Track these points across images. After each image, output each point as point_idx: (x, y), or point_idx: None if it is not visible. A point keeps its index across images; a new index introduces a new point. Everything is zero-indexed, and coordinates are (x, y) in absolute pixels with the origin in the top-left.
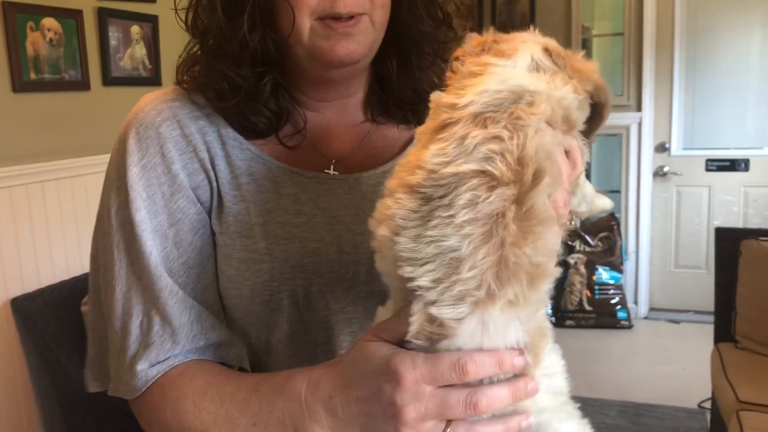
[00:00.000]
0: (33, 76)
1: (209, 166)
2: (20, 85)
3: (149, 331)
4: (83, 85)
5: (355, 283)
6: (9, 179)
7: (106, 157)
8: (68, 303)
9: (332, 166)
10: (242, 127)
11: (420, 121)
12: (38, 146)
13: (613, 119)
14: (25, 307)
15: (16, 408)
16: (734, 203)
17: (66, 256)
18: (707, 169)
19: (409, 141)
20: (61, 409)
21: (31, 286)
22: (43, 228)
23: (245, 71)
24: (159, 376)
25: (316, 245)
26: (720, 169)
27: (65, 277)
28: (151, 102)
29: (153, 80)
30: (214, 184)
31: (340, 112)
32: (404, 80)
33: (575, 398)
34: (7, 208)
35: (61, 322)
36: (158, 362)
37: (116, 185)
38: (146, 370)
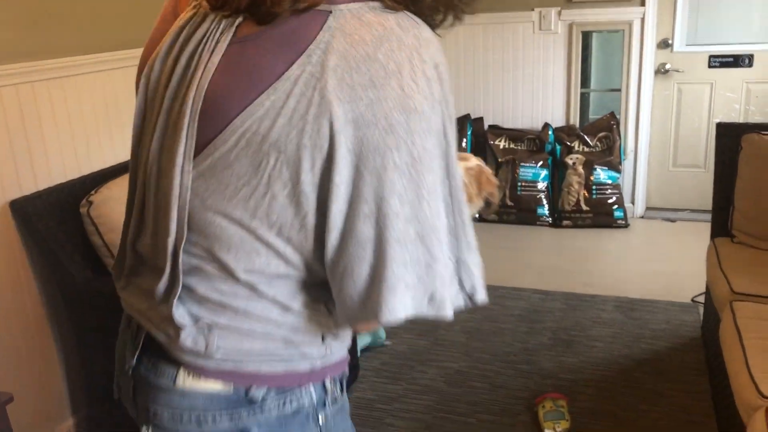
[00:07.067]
0: None
1: None
2: None
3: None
4: None
5: None
6: None
7: (97, 57)
8: (67, 205)
9: None
10: None
11: None
12: (26, 45)
13: (616, 14)
14: (24, 208)
15: (23, 310)
16: (736, 100)
17: (62, 159)
18: (710, 66)
19: None
20: (66, 309)
21: (29, 188)
22: (36, 130)
23: None
24: None
25: None
26: (723, 65)
27: (62, 179)
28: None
29: None
30: None
31: None
32: None
33: (572, 294)
34: None
35: (61, 224)
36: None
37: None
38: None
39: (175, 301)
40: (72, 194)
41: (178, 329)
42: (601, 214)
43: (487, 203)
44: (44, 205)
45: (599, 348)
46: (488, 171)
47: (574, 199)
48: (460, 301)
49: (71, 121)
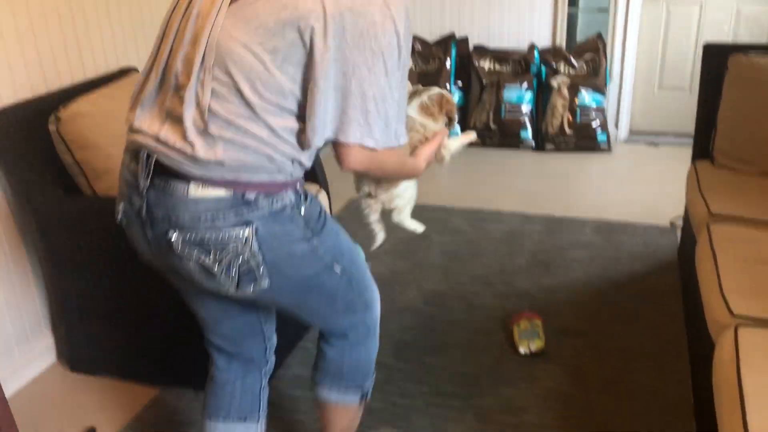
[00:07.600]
0: None
1: None
2: None
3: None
4: None
5: None
6: None
7: None
8: (35, 123)
9: None
10: None
11: None
12: None
13: None
14: None
15: None
16: (725, 22)
17: (27, 73)
18: None
19: None
20: (39, 230)
21: None
22: None
23: None
24: None
25: None
26: None
27: (29, 95)
28: None
29: None
30: None
31: None
32: None
33: (552, 217)
34: None
35: (30, 142)
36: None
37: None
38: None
39: (205, 106)
40: (40, 111)
41: (195, 142)
42: (585, 138)
43: (449, 119)
44: (10, 122)
45: (577, 270)
46: (446, 93)
47: (558, 122)
48: (392, 142)
49: (35, 33)
